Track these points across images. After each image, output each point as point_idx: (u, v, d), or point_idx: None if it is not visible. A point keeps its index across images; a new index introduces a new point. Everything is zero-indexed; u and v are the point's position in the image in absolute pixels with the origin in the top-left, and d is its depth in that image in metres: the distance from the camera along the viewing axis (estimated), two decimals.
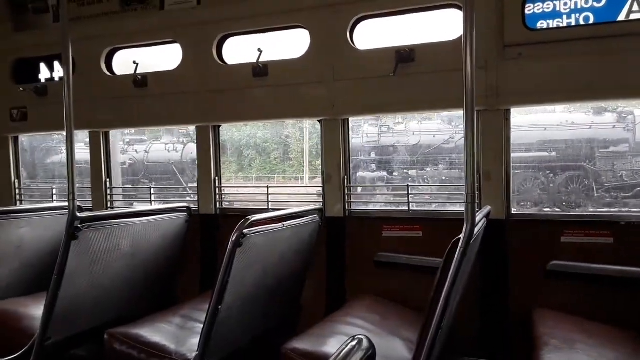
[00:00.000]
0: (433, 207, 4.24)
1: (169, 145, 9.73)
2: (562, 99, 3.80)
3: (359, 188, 4.97)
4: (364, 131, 8.38)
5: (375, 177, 7.84)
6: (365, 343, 1.24)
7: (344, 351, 1.19)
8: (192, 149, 9.57)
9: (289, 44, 4.54)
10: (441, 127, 8.29)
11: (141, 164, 9.51)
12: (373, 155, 8.20)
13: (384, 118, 7.93)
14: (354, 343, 1.23)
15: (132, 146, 9.57)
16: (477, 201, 3.60)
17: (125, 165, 9.26)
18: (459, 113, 6.96)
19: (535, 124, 7.35)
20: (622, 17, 3.46)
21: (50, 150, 10.01)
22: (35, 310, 3.69)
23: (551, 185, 7.11)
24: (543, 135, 7.13)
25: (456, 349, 3.70)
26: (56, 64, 5.44)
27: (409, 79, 3.87)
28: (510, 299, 3.70)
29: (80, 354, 3.72)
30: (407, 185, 4.12)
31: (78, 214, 3.30)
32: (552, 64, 3.54)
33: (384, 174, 7.99)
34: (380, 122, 8.13)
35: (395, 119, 8.11)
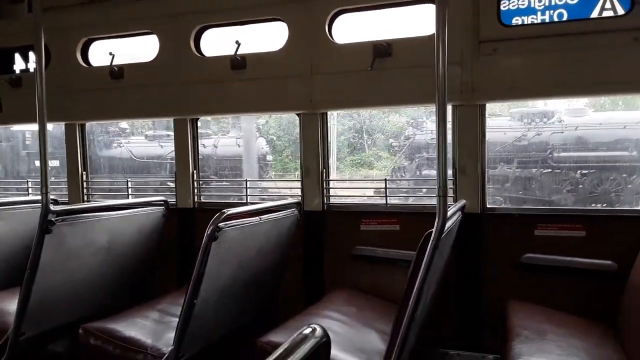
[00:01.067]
0: (410, 201, 4.28)
1: (240, 139, 9.21)
2: (537, 95, 3.86)
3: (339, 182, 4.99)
4: (428, 128, 8.28)
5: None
6: (319, 331, 1.25)
7: (295, 340, 1.20)
8: (262, 143, 9.24)
9: (269, 36, 4.53)
10: (512, 124, 8.21)
11: (210, 159, 9.14)
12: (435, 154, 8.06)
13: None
14: (307, 331, 1.24)
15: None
16: (451, 195, 3.66)
17: None
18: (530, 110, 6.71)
19: (609, 122, 7.28)
20: (594, 14, 3.53)
21: (108, 144, 9.62)
22: (10, 305, 3.64)
23: (629, 186, 7.04)
24: (621, 134, 7.06)
25: (430, 341, 3.76)
26: (31, 55, 5.33)
27: (385, 73, 3.88)
28: (484, 291, 3.77)
29: (56, 350, 3.69)
30: (385, 179, 4.15)
31: (52, 208, 3.26)
32: (527, 60, 3.59)
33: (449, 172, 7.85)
34: None
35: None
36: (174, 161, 4.67)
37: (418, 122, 8.38)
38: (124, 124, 9.84)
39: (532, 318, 3.22)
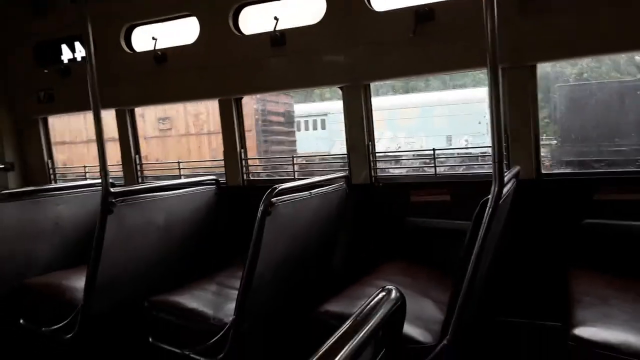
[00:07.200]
0: (461, 171, 4.20)
1: None
2: (588, 52, 3.64)
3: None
4: None
5: None
6: (394, 293, 1.25)
7: (373, 301, 1.20)
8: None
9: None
10: None
11: None
12: None
13: None
14: (383, 293, 1.24)
15: None
16: (505, 161, 3.56)
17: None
18: None
19: None
20: None
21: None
22: (77, 282, 3.85)
23: None
24: None
25: (488, 309, 3.73)
26: (77, 44, 5.49)
27: (429, 39, 3.78)
28: (542, 258, 3.68)
29: (122, 322, 3.88)
30: (433, 149, 4.07)
31: (111, 190, 3.39)
32: (578, 16, 3.40)
33: None
34: None
35: None
36: None
37: None
38: None
39: (595, 284, 3.13)
